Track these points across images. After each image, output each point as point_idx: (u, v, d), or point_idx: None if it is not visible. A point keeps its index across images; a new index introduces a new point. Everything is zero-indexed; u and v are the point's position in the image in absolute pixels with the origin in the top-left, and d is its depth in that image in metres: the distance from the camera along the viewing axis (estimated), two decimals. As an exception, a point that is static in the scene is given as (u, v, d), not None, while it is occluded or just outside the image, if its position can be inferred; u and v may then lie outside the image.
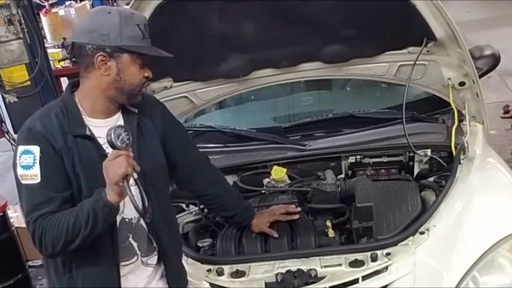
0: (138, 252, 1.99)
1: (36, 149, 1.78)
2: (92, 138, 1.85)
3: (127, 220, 1.94)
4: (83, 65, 1.85)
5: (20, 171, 1.79)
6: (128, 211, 1.91)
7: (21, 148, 1.80)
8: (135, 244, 1.98)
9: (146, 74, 1.88)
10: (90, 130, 1.85)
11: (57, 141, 1.80)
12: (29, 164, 1.77)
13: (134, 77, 1.85)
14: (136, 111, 1.96)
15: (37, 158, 1.77)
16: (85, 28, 1.84)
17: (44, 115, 1.86)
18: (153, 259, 2.04)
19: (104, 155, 1.83)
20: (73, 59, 1.93)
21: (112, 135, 1.70)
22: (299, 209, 2.45)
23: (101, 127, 1.86)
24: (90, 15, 1.93)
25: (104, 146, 1.85)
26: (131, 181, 1.74)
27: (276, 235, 2.34)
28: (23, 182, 1.79)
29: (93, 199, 1.75)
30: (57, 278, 1.92)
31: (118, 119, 1.93)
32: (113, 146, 1.71)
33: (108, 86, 1.85)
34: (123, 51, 1.81)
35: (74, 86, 1.92)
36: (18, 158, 1.79)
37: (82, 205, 1.76)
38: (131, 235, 1.96)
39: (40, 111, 1.91)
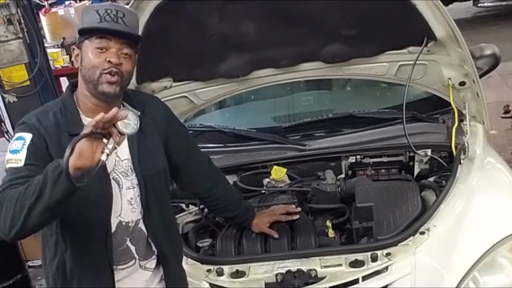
0: (136, 256, 1.97)
1: (28, 136, 1.76)
2: None
3: (124, 223, 1.91)
4: None
5: (8, 155, 1.75)
6: (125, 215, 1.90)
7: (15, 135, 1.79)
8: (132, 248, 1.95)
9: (108, 58, 1.77)
10: None
11: (50, 137, 1.78)
12: (17, 148, 1.74)
13: (91, 61, 1.78)
14: (139, 113, 1.94)
15: (26, 144, 1.74)
16: None
17: (41, 113, 1.85)
18: (152, 263, 2.02)
19: None
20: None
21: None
22: (299, 209, 2.44)
23: None
24: None
25: None
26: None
27: (276, 235, 2.33)
28: (7, 166, 1.74)
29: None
30: (52, 279, 1.90)
31: None
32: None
33: (82, 79, 1.84)
34: (83, 37, 1.80)
35: (75, 86, 1.91)
36: (10, 144, 1.77)
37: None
38: (128, 239, 1.94)
39: (38, 109, 1.90)
